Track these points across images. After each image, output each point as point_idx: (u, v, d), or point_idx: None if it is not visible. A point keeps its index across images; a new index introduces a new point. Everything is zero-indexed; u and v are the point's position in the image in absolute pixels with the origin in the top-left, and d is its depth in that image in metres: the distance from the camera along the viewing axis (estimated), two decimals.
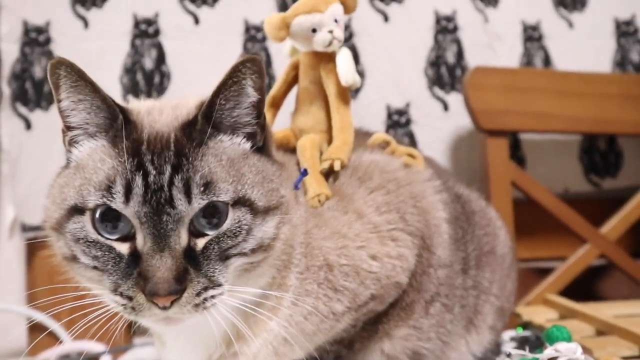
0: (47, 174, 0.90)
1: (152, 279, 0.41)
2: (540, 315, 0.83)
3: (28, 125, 0.92)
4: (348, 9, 0.62)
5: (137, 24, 0.95)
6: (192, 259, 0.42)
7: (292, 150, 0.62)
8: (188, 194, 0.42)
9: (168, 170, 0.43)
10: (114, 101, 0.46)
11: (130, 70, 0.95)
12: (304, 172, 0.54)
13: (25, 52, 0.92)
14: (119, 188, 0.42)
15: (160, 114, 0.48)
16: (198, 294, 0.42)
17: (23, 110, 0.92)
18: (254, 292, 0.46)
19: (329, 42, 0.59)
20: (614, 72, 1.08)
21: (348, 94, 0.61)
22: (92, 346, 0.84)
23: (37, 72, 0.92)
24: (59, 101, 0.47)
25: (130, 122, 0.46)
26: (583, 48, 1.09)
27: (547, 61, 1.08)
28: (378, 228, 0.54)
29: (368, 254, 0.53)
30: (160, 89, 0.96)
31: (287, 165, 0.56)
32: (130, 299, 0.42)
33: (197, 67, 0.97)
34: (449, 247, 0.61)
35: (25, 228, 0.90)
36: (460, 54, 1.04)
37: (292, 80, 0.65)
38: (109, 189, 0.43)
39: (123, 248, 0.43)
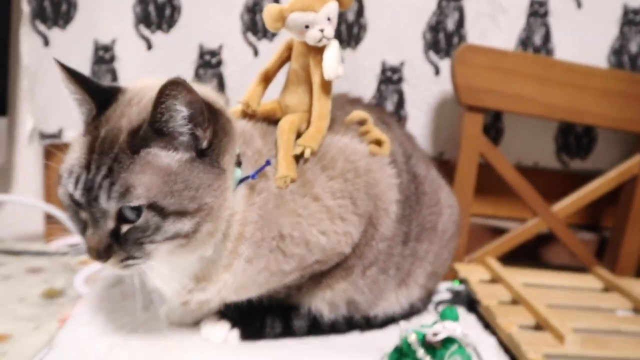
0: (62, 88, 1.02)
1: (87, 245, 0.55)
2: (476, 274, 0.96)
3: (46, 42, 0.99)
4: (343, 5, 0.68)
5: None
6: (118, 237, 0.55)
7: (276, 121, 0.71)
8: (108, 196, 0.53)
9: (102, 172, 0.53)
10: (96, 96, 0.56)
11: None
12: (267, 163, 0.64)
13: None
14: (72, 178, 0.55)
15: (137, 103, 0.57)
16: (121, 261, 0.56)
17: (42, 27, 0.99)
18: (189, 261, 0.61)
19: (318, 39, 0.66)
20: (607, 64, 1.11)
21: (330, 86, 0.69)
22: None
23: None
24: None
25: (102, 114, 0.56)
26: (585, 31, 1.11)
27: (546, 38, 1.11)
28: (330, 210, 0.65)
29: (318, 230, 0.65)
30: (171, 22, 1.03)
31: (265, 142, 0.67)
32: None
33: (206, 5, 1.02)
34: (393, 225, 0.73)
35: (43, 136, 1.02)
36: (460, 22, 1.08)
37: (286, 59, 0.72)
38: (69, 174, 0.55)
39: (82, 214, 0.56)
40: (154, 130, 0.55)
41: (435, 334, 0.58)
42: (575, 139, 1.17)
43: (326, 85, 0.69)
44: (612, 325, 0.82)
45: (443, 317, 0.61)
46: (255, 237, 0.63)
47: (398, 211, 0.73)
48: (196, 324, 0.71)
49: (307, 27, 0.66)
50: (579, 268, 1.10)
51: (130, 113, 0.56)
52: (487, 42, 1.08)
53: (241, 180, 0.63)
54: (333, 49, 0.68)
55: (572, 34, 1.11)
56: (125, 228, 0.55)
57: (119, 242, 0.55)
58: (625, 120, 1.05)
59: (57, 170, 0.59)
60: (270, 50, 0.75)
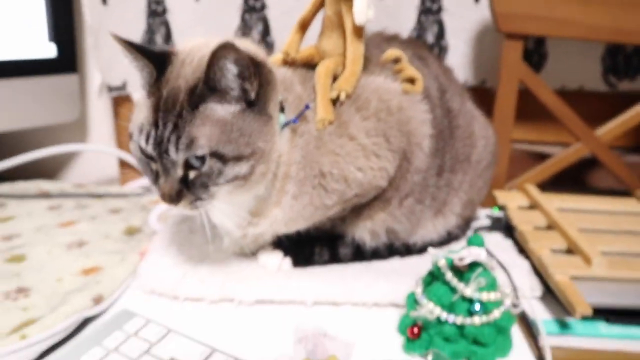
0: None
1: (160, 192, 0.63)
2: (515, 201, 1.00)
3: (104, 1, 1.07)
4: None
5: None
6: (187, 182, 0.63)
7: (315, 66, 0.76)
8: (177, 148, 0.60)
9: (169, 127, 0.60)
10: (154, 60, 0.62)
11: None
12: (306, 107, 0.69)
13: None
14: (143, 134, 0.62)
15: (189, 63, 0.63)
16: (190, 203, 0.63)
17: None
18: (245, 199, 0.69)
19: None
20: None
21: (362, 30, 0.73)
22: None
23: None
24: None
25: (162, 76, 0.62)
26: None
27: None
28: (365, 148, 0.71)
29: (355, 167, 0.70)
30: None
31: (304, 87, 0.72)
32: (157, 194, 0.65)
33: None
34: (427, 158, 0.78)
35: (110, 89, 1.12)
36: None
37: (320, 6, 0.76)
38: (140, 131, 0.62)
39: (153, 166, 0.64)
40: (209, 88, 0.61)
41: (461, 259, 0.64)
42: (624, 58, 1.14)
43: (358, 30, 0.72)
44: None
45: (469, 243, 0.66)
46: (299, 175, 0.70)
47: (431, 145, 0.78)
48: (254, 253, 0.81)
49: None
50: (626, 192, 1.11)
51: (185, 74, 0.63)
52: None
53: (285, 125, 0.69)
54: None
55: None
56: (192, 174, 0.63)
57: (187, 187, 0.63)
58: None
59: (126, 126, 0.67)
60: None
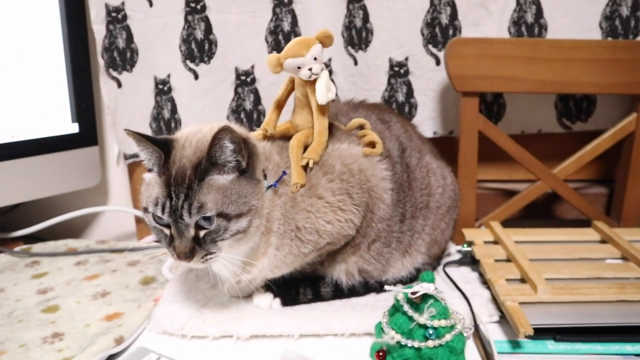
0: (135, 118, 1.29)
1: (176, 251, 0.76)
2: (482, 237, 1.12)
3: (119, 85, 1.25)
4: (325, 45, 0.87)
5: (187, 2, 1.22)
6: (198, 241, 0.76)
7: (291, 137, 0.92)
8: (190, 213, 0.74)
9: (181, 197, 0.74)
10: (161, 147, 0.77)
11: (186, 40, 1.24)
12: (283, 173, 0.84)
13: (110, 29, 1.21)
14: (159, 206, 0.76)
15: (189, 146, 0.78)
16: (202, 257, 0.77)
17: (114, 73, 1.24)
18: (242, 250, 0.81)
19: (309, 76, 0.85)
20: (599, 30, 1.19)
21: (325, 107, 0.88)
22: None
23: (120, 43, 1.23)
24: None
25: (169, 159, 0.77)
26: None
27: (538, 15, 1.22)
28: (332, 205, 0.85)
29: (324, 220, 0.84)
30: (210, 54, 1.25)
31: (281, 156, 0.87)
32: (173, 255, 0.78)
33: (236, 35, 1.24)
34: (389, 208, 0.92)
35: (126, 157, 1.30)
36: (454, 16, 1.21)
37: (291, 89, 0.92)
38: (155, 204, 0.76)
39: (166, 231, 0.78)
40: (210, 163, 0.76)
41: (414, 293, 0.78)
42: (574, 103, 1.27)
43: (322, 108, 0.88)
44: (593, 273, 0.94)
45: (421, 280, 0.80)
46: (279, 230, 0.85)
47: (392, 197, 0.92)
48: (249, 296, 0.95)
49: (299, 67, 0.85)
50: (589, 221, 1.23)
51: (187, 155, 0.78)
52: (480, 29, 1.21)
53: (268, 188, 0.85)
54: (322, 80, 0.86)
55: (562, 5, 1.19)
56: (202, 233, 0.77)
57: (199, 244, 0.77)
58: (614, 84, 1.13)
59: (140, 189, 0.82)
60: None
